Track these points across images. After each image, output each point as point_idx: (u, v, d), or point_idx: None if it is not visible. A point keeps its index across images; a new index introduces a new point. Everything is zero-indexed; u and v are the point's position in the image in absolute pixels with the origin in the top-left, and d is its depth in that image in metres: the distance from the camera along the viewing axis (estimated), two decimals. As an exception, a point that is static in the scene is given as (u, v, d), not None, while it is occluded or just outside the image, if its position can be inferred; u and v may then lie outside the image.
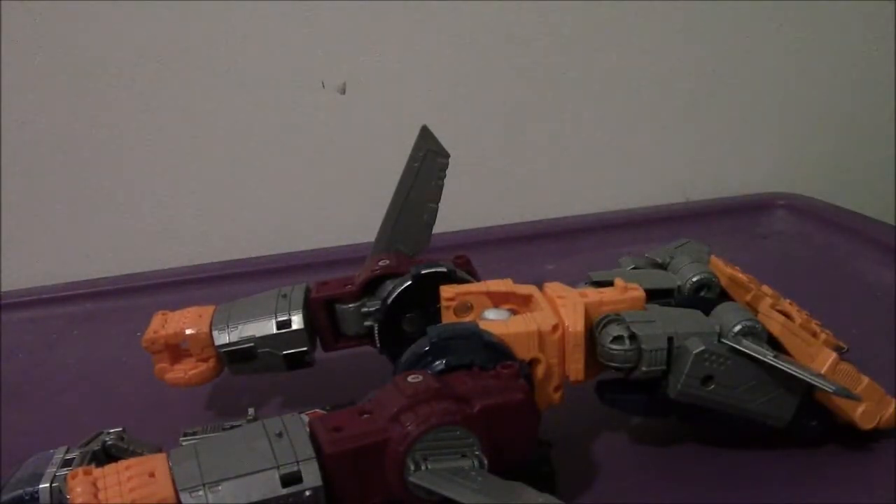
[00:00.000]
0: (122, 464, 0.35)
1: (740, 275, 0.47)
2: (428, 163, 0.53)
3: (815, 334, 0.45)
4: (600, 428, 0.49)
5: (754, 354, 0.41)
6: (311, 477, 0.35)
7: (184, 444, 0.43)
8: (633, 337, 0.42)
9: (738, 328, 0.42)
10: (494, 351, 0.41)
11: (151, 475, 0.34)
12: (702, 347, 0.42)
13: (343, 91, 0.81)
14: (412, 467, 0.36)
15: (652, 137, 0.89)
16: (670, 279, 0.48)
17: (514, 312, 0.45)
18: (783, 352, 0.43)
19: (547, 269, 0.75)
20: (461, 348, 0.41)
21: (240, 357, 0.50)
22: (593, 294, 0.45)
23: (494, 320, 0.44)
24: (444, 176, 0.54)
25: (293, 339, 0.50)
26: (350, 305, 0.51)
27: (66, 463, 0.40)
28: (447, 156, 0.53)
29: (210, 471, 0.34)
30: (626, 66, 0.86)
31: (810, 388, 0.43)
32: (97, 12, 0.74)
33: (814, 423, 0.44)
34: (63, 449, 0.41)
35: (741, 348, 0.42)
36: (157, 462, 0.35)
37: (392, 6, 0.79)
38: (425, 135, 0.54)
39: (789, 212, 0.86)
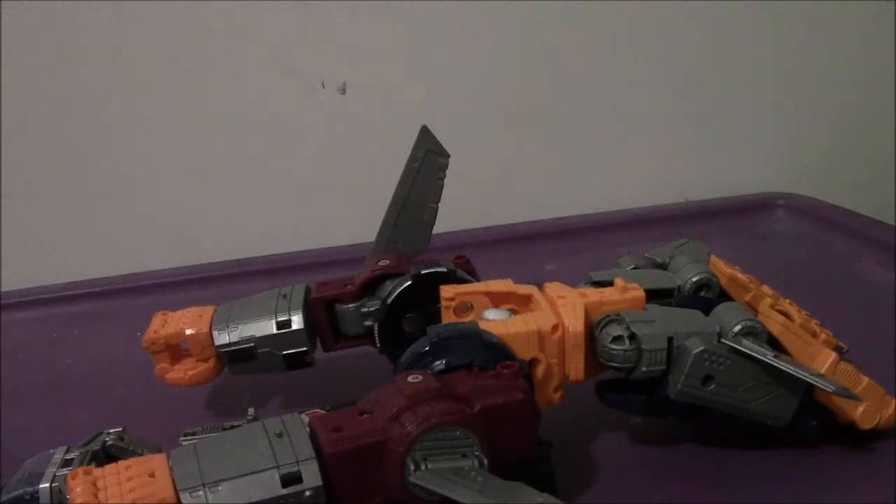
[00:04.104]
0: (122, 464, 0.35)
1: (740, 275, 0.47)
2: (428, 163, 0.53)
3: (815, 334, 0.44)
4: (600, 428, 0.49)
5: (754, 354, 0.41)
6: (311, 477, 0.35)
7: (184, 444, 0.43)
8: (633, 337, 0.42)
9: (738, 328, 0.42)
10: (494, 351, 0.41)
11: (151, 475, 0.34)
12: (702, 347, 0.42)
13: (343, 91, 0.81)
14: (412, 467, 0.36)
15: (652, 137, 0.89)
16: (670, 279, 0.48)
17: (514, 312, 0.45)
18: (783, 352, 0.44)
19: (547, 269, 0.75)
20: (461, 348, 0.41)
21: (240, 357, 0.50)
22: (593, 294, 0.45)
23: (494, 320, 0.44)
24: (444, 176, 0.54)
25: (293, 339, 0.50)
26: (350, 305, 0.51)
27: (66, 463, 0.40)
28: (447, 156, 0.53)
29: (210, 471, 0.34)
30: (625, 66, 0.86)
31: (810, 388, 0.43)
32: (97, 12, 0.74)
33: (814, 423, 0.44)
34: (63, 449, 0.41)
35: (741, 348, 0.42)
36: (157, 462, 0.35)
37: (392, 6, 0.79)
38: (425, 135, 0.54)
39: (789, 212, 0.86)
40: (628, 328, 0.42)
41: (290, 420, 0.37)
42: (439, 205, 0.54)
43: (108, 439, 0.42)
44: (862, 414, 0.44)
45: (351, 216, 0.81)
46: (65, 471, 0.39)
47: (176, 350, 0.51)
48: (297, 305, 0.51)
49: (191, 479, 0.34)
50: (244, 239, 0.83)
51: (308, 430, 0.37)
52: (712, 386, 0.42)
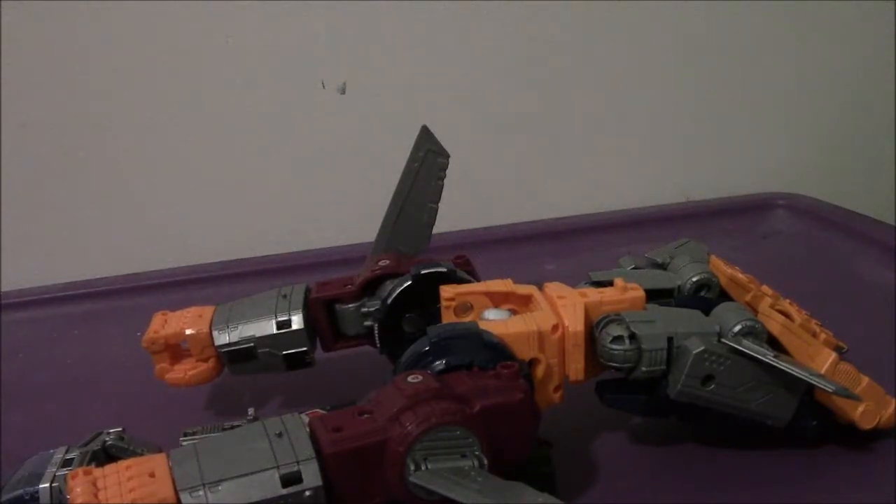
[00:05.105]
0: (122, 464, 0.35)
1: (740, 275, 0.48)
2: (428, 163, 0.53)
3: (815, 334, 0.44)
4: (600, 428, 0.49)
5: (754, 354, 0.41)
6: (311, 477, 0.35)
7: (184, 444, 0.43)
8: (633, 337, 0.42)
9: (738, 328, 0.42)
10: (494, 351, 0.41)
11: (151, 475, 0.34)
12: (702, 347, 0.42)
13: (343, 91, 0.81)
14: (412, 467, 0.36)
15: (652, 137, 0.89)
16: (670, 279, 0.48)
17: (514, 312, 0.45)
18: (783, 352, 0.44)
19: (547, 269, 0.75)
20: (461, 348, 0.41)
21: (240, 357, 0.50)
22: (593, 294, 0.45)
23: (494, 320, 0.44)
24: (444, 176, 0.54)
25: (293, 339, 0.50)
26: (350, 305, 0.51)
27: (66, 463, 0.40)
28: (447, 156, 0.53)
29: (210, 471, 0.34)
30: (626, 66, 0.86)
31: (810, 387, 0.43)
32: (97, 13, 0.74)
33: (814, 423, 0.44)
34: (63, 449, 0.41)
35: (741, 348, 0.42)
36: (157, 462, 0.35)
37: (392, 6, 0.79)
38: (425, 135, 0.54)
39: (789, 212, 0.86)
40: (628, 328, 0.42)
41: (290, 420, 0.37)
42: (439, 205, 0.54)
43: (108, 439, 0.42)
44: (862, 414, 0.44)
45: (351, 216, 0.81)
46: (65, 471, 0.39)
47: (176, 350, 0.51)
48: (297, 305, 0.51)
49: (191, 479, 0.34)
50: (244, 239, 0.83)
51: (308, 430, 0.37)
52: (712, 386, 0.42)
